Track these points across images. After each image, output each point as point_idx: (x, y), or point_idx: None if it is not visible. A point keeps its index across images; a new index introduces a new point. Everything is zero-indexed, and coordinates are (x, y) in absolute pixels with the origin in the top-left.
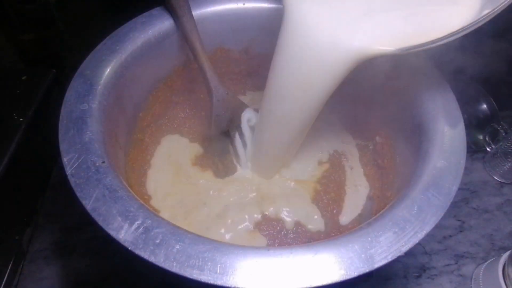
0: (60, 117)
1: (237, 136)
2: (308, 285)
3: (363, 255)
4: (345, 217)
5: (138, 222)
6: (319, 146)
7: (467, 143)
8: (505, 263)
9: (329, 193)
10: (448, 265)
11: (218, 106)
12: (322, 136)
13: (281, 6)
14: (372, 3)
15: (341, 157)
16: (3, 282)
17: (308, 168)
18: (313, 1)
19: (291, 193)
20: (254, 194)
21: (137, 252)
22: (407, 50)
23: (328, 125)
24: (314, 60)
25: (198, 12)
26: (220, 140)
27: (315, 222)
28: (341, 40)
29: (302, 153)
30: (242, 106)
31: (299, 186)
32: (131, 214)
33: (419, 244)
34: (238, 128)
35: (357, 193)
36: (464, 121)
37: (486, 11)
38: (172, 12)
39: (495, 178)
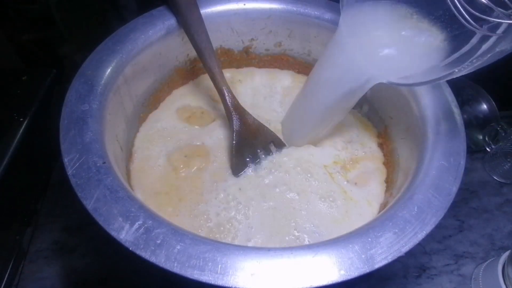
0: (61, 117)
1: (262, 163)
2: (309, 285)
3: (363, 256)
4: None
5: (139, 222)
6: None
7: (467, 143)
8: (504, 263)
9: None
10: (447, 265)
11: (238, 132)
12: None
13: (281, 6)
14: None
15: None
16: (4, 282)
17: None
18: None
19: None
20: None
21: (138, 252)
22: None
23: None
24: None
25: None
26: (243, 166)
27: None
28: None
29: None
30: (264, 130)
31: None
32: (132, 214)
33: (419, 244)
34: (261, 153)
35: None
36: (464, 121)
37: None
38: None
39: (495, 178)
